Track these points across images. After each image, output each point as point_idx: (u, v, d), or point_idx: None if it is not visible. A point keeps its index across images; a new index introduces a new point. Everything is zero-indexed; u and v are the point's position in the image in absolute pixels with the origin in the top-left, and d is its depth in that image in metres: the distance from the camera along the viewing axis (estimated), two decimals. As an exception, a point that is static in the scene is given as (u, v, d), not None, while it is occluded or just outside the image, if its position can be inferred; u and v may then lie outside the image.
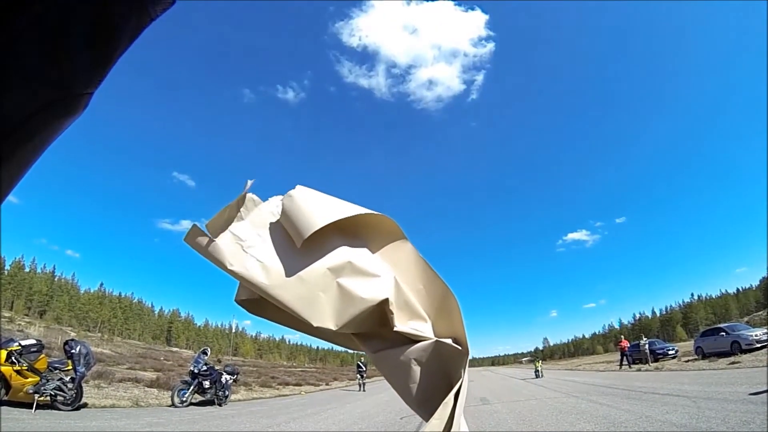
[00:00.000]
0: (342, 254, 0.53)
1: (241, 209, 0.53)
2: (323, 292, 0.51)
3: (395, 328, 0.53)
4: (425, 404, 0.53)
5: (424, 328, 0.55)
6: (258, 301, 0.56)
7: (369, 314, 0.54)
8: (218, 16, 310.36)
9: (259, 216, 0.54)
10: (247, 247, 0.51)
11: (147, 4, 0.38)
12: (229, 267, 0.50)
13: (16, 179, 0.36)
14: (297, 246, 0.52)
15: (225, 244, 0.51)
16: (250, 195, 0.55)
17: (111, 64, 0.38)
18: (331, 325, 0.51)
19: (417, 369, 0.54)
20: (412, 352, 0.54)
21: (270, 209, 0.55)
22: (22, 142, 0.34)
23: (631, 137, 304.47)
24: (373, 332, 0.56)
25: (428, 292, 0.57)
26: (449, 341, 0.54)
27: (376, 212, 0.57)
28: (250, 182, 0.55)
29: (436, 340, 0.54)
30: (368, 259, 0.55)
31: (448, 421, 0.47)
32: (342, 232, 0.55)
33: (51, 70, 0.34)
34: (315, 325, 0.51)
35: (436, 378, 0.54)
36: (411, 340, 0.54)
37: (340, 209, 0.54)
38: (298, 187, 0.55)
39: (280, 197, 0.56)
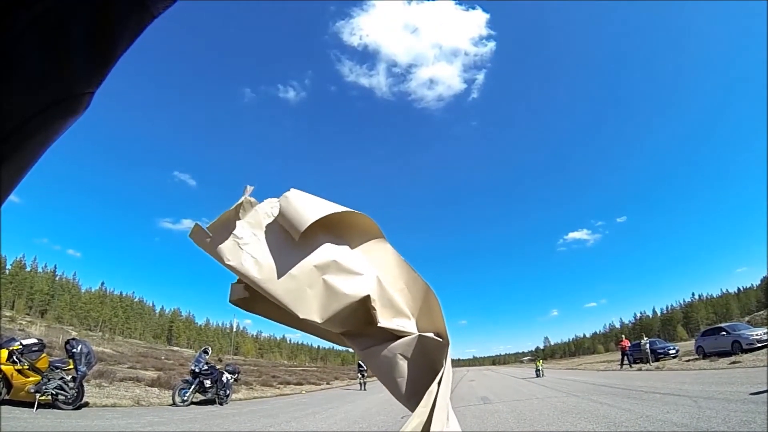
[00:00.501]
0: (328, 253, 0.57)
1: (243, 209, 0.59)
2: (310, 287, 0.56)
3: (379, 324, 0.56)
4: (413, 397, 0.56)
5: (407, 325, 0.58)
6: (249, 299, 0.61)
7: (353, 311, 0.57)
8: (219, 15, 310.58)
9: (254, 217, 0.59)
10: (243, 244, 0.57)
11: (148, 2, 0.37)
12: (227, 262, 0.56)
13: (17, 179, 0.36)
14: (295, 239, 0.57)
15: (224, 241, 0.57)
16: (248, 198, 0.59)
17: (112, 63, 0.38)
18: (316, 318, 0.56)
19: (403, 363, 0.58)
20: (397, 347, 0.57)
21: (265, 210, 0.60)
22: (22, 143, 0.34)
23: (632, 136, 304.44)
24: (360, 330, 0.60)
25: (410, 290, 0.61)
26: (431, 335, 0.58)
27: (360, 212, 0.62)
28: (250, 188, 0.60)
29: (419, 335, 0.58)
30: (352, 259, 0.59)
31: (432, 407, 0.50)
32: (328, 233, 0.60)
33: (51, 71, 0.34)
34: (301, 317, 0.55)
35: (421, 370, 0.57)
36: (396, 336, 0.58)
37: (329, 207, 0.58)
38: (292, 190, 0.60)
39: (275, 199, 0.60)
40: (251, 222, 0.58)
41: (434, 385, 0.53)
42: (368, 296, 0.56)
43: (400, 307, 0.59)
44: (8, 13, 0.30)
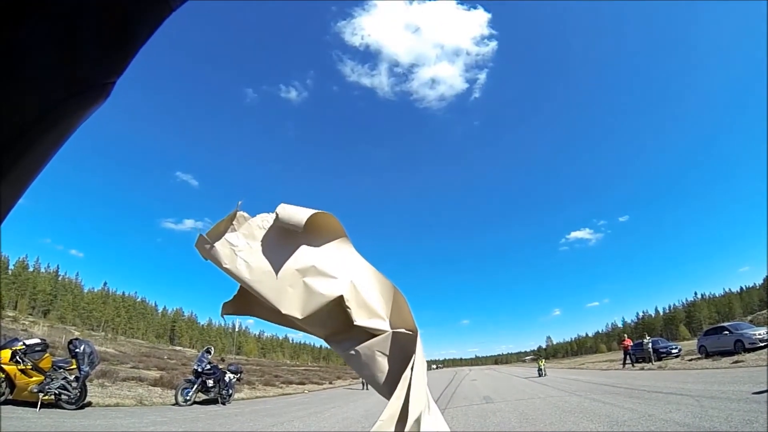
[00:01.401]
0: (308, 259, 0.68)
1: (234, 223, 0.69)
2: (291, 287, 0.66)
3: (355, 323, 0.66)
4: (394, 388, 0.62)
5: (381, 324, 0.67)
6: (241, 307, 0.73)
7: (330, 310, 0.67)
8: (221, 16, 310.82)
9: (248, 229, 0.70)
10: (238, 251, 0.68)
11: None
12: (224, 265, 0.67)
13: (34, 174, 0.37)
14: (299, 231, 0.68)
15: (222, 248, 0.68)
16: (240, 213, 0.70)
17: (131, 54, 0.39)
18: (297, 314, 0.66)
19: (382, 359, 0.66)
20: (374, 345, 0.66)
21: (257, 223, 0.70)
22: (40, 136, 0.35)
23: (634, 135, 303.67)
24: (340, 332, 0.69)
25: (380, 292, 0.69)
26: (403, 330, 0.67)
27: (329, 213, 0.71)
28: (239, 203, 0.71)
29: (393, 331, 0.67)
30: (329, 264, 0.69)
31: (407, 392, 0.59)
32: (308, 237, 0.70)
33: (67, 62, 0.35)
34: (283, 312, 0.66)
35: (398, 363, 0.65)
36: (372, 335, 0.67)
37: (309, 210, 0.69)
38: (282, 204, 0.71)
39: (267, 214, 0.71)
40: (245, 233, 0.70)
41: (408, 370, 0.61)
42: (342, 296, 0.65)
43: (373, 308, 0.67)
44: (22, 7, 0.31)
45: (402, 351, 0.65)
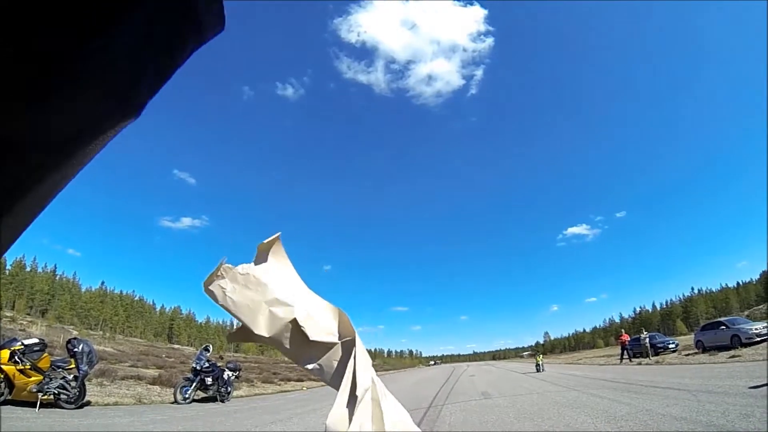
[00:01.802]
0: (272, 293, 0.90)
1: (222, 271, 0.90)
2: (260, 314, 0.88)
3: (311, 339, 0.85)
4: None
5: (331, 338, 0.87)
6: (241, 335, 0.93)
7: (290, 330, 0.87)
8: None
9: (233, 276, 0.90)
10: (227, 292, 0.89)
11: (202, 28, 0.42)
12: (219, 302, 0.88)
13: (70, 177, 0.41)
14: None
15: (215, 290, 0.89)
16: (226, 265, 0.90)
17: (165, 79, 0.44)
18: (264, 333, 0.87)
19: (335, 364, 0.86)
20: (331, 356, 0.87)
21: (239, 271, 0.91)
22: (83, 146, 0.40)
23: (631, 131, 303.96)
24: (303, 352, 0.88)
25: (326, 314, 0.90)
26: (347, 338, 0.87)
27: (277, 238, 0.93)
28: (224, 258, 0.91)
29: (341, 342, 0.87)
30: (287, 296, 0.90)
31: (354, 375, 0.80)
32: (270, 278, 0.91)
33: (121, 82, 0.38)
34: (256, 332, 0.87)
35: (347, 364, 0.84)
36: (327, 348, 0.87)
37: (268, 242, 0.93)
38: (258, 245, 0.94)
39: (246, 264, 0.92)
40: (231, 278, 0.91)
41: (351, 359, 0.83)
42: (295, 319, 0.86)
43: (322, 325, 0.88)
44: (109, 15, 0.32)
45: (349, 354, 0.85)
